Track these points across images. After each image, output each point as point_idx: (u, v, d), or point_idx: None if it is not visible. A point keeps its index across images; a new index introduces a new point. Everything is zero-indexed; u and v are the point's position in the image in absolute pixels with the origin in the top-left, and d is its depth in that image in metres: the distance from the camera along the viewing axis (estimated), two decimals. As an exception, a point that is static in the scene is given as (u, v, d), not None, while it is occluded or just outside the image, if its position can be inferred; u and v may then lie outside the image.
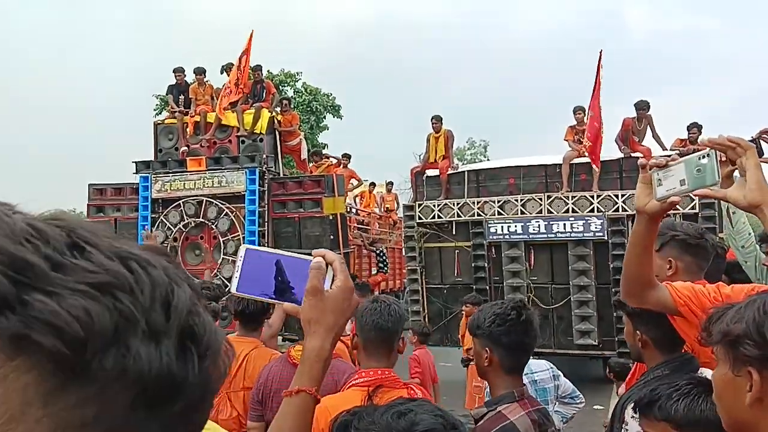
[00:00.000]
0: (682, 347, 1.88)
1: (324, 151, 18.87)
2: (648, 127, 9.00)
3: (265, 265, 1.02)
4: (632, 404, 1.61)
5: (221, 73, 10.97)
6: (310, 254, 1.03)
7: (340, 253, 8.74)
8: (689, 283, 1.81)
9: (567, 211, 8.71)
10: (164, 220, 9.94)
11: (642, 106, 8.91)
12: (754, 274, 2.59)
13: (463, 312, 7.45)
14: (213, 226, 9.77)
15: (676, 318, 1.79)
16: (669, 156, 1.53)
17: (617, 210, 8.47)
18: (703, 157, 1.39)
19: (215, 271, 9.64)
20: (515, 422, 1.92)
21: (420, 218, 9.56)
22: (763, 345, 0.98)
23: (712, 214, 7.71)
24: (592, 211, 8.58)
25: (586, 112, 8.98)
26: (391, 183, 16.37)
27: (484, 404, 2.12)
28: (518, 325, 2.01)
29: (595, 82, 8.76)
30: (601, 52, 8.92)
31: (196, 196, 9.86)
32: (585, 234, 8.58)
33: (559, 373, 2.62)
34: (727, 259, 3.24)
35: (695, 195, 1.48)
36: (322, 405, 2.23)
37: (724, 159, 1.44)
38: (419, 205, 9.64)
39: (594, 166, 8.67)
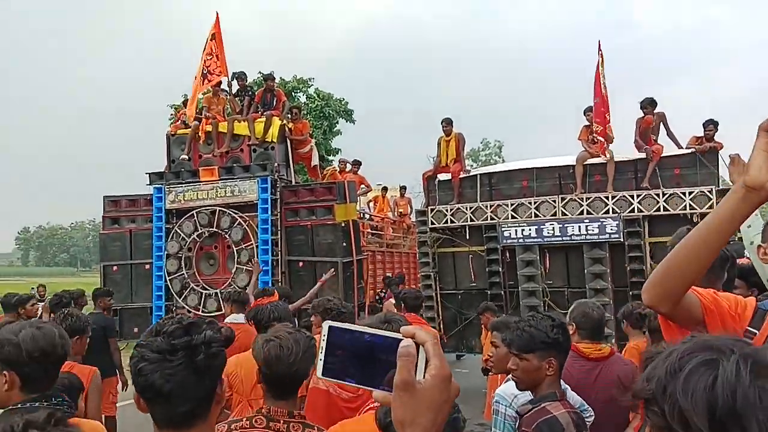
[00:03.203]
0: None
1: (340, 157, 18.89)
2: (661, 124, 8.84)
3: (352, 344, 0.90)
4: None
5: (231, 80, 11.03)
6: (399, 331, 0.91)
7: (352, 261, 8.68)
8: (706, 289, 1.71)
9: (581, 213, 8.59)
10: (178, 230, 10.00)
11: (646, 104, 8.78)
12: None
13: (482, 323, 7.33)
14: (226, 236, 9.80)
15: (675, 333, 1.69)
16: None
17: (633, 211, 8.32)
18: None
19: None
20: (558, 417, 2.18)
21: (433, 223, 9.49)
22: (665, 415, 0.75)
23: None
24: (607, 212, 8.45)
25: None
26: (404, 187, 16.29)
27: (529, 402, 2.38)
28: (567, 330, 2.43)
29: (596, 71, 8.89)
30: (599, 42, 9.07)
31: (209, 206, 9.91)
32: (600, 236, 8.45)
33: (567, 386, 2.58)
34: (743, 263, 3.15)
35: None
36: (340, 429, 2.22)
37: None
38: (432, 210, 9.57)
39: (605, 154, 8.66)
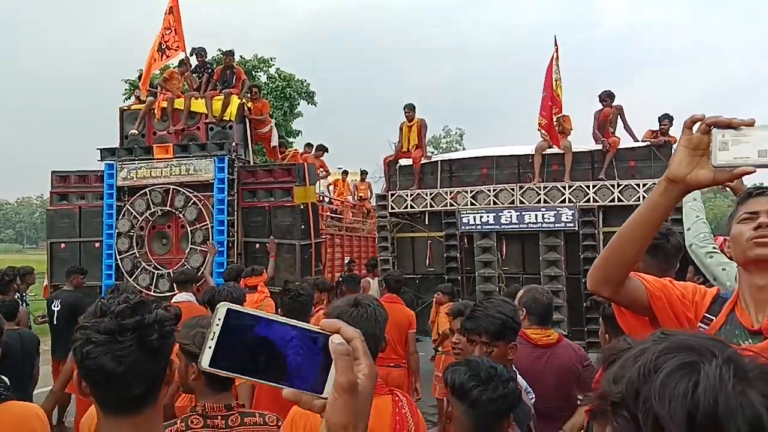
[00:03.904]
0: None
1: (307, 142, 18.61)
2: (618, 117, 9.02)
3: (256, 333, 0.77)
4: None
5: (190, 55, 10.71)
6: (304, 321, 0.81)
7: (310, 243, 8.60)
8: (655, 277, 1.73)
9: (539, 201, 8.72)
10: (130, 208, 9.69)
11: (605, 97, 8.95)
12: (726, 280, 2.54)
13: (434, 300, 7.43)
14: (180, 215, 9.56)
15: (628, 319, 1.70)
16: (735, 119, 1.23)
17: (588, 201, 8.50)
18: None
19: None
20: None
21: (393, 208, 9.48)
22: (637, 421, 0.67)
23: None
24: (563, 201, 8.60)
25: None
26: (365, 172, 16.23)
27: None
28: None
29: (549, 65, 8.93)
30: (555, 38, 9.14)
31: (163, 184, 9.62)
32: (556, 224, 8.60)
33: (515, 370, 2.61)
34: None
35: None
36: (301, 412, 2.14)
37: None
38: (392, 194, 9.55)
39: (558, 146, 8.74)
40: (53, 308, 6.61)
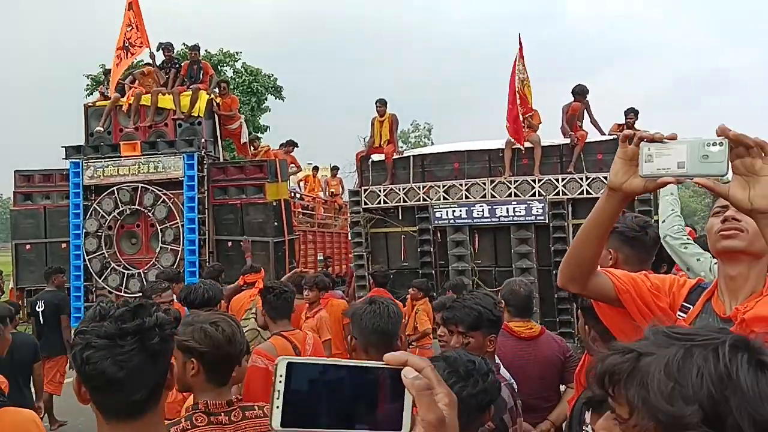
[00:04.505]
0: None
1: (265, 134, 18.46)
2: (585, 111, 9.20)
3: (321, 382, 0.74)
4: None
5: (157, 50, 10.51)
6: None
7: (284, 240, 8.53)
8: (624, 271, 1.80)
9: (509, 195, 8.84)
10: (97, 207, 9.50)
11: (579, 91, 9.10)
12: (699, 270, 2.65)
13: (409, 296, 7.50)
14: (150, 214, 9.40)
15: (606, 311, 1.78)
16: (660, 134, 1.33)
17: (558, 194, 8.66)
18: (714, 144, 1.25)
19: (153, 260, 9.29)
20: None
21: (366, 203, 9.50)
22: None
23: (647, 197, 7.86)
24: (533, 195, 8.75)
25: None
26: (336, 168, 16.19)
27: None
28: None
29: (513, 66, 8.87)
30: (519, 36, 9.11)
31: (131, 182, 9.45)
32: (527, 218, 8.74)
33: (499, 362, 2.67)
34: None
35: (695, 182, 1.31)
36: None
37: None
38: (365, 190, 9.57)
39: (520, 146, 8.83)
40: (37, 309, 6.69)
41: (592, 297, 1.75)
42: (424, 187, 9.24)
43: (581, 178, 8.58)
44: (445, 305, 3.40)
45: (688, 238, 2.81)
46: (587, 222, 1.56)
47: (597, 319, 1.95)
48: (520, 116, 8.73)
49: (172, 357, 1.46)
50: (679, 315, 1.66)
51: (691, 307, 1.66)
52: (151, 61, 10.55)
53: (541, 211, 8.69)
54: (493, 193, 8.93)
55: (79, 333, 1.37)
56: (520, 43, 9.05)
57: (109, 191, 9.49)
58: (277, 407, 0.73)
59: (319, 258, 12.20)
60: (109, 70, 10.71)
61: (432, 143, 42.02)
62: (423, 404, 0.71)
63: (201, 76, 10.15)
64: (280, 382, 0.73)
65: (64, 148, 9.81)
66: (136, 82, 10.14)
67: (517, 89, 8.78)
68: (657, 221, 4.43)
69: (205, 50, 24.20)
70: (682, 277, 1.75)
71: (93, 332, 1.35)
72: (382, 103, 9.86)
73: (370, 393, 0.74)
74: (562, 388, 3.22)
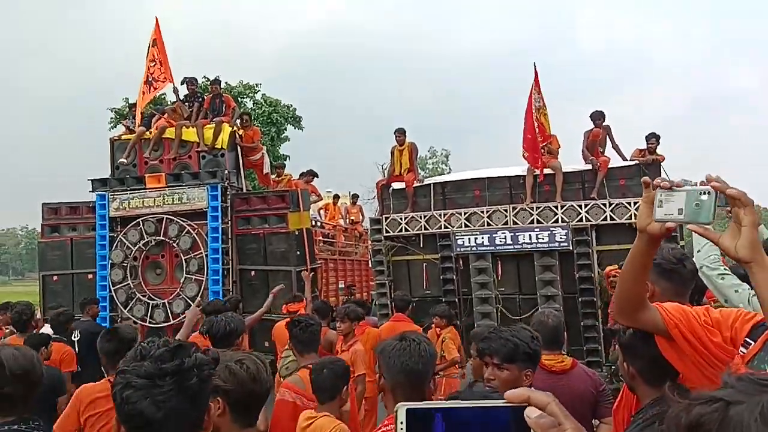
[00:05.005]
0: (675, 377, 1.85)
1: (286, 163, 18.65)
2: (607, 137, 9.16)
3: (439, 426, 0.73)
4: None
5: (181, 84, 10.77)
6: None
7: (306, 269, 8.54)
8: (679, 305, 1.79)
9: (532, 222, 8.78)
10: (123, 239, 9.63)
11: (597, 116, 9.08)
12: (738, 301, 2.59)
13: (434, 324, 7.41)
14: (174, 245, 9.51)
15: (664, 344, 1.77)
16: (670, 180, 1.45)
17: (581, 220, 8.58)
18: (704, 193, 1.36)
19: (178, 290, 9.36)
20: None
21: (387, 231, 9.50)
22: None
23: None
24: (556, 221, 8.68)
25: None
26: (356, 195, 16.28)
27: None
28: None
29: (530, 95, 8.85)
30: (534, 65, 9.08)
31: (156, 213, 9.59)
32: (550, 244, 8.66)
33: None
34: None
35: (689, 228, 1.42)
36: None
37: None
38: (386, 218, 9.58)
39: (541, 173, 8.77)
40: (73, 338, 6.73)
41: (644, 329, 1.79)
42: (445, 215, 9.23)
43: (604, 204, 8.51)
44: (481, 335, 3.36)
45: (725, 269, 2.75)
46: (626, 260, 1.66)
47: (636, 356, 1.93)
48: (539, 145, 8.72)
49: (210, 399, 1.46)
50: (741, 350, 1.64)
51: (753, 343, 1.64)
52: (174, 96, 10.79)
53: (565, 237, 8.61)
54: (515, 219, 8.89)
55: (119, 372, 1.39)
56: (536, 72, 9.03)
57: (134, 223, 9.63)
58: None
59: (340, 286, 12.19)
60: (134, 104, 10.97)
61: (450, 169, 42.12)
62: None
63: (223, 109, 10.35)
64: (401, 429, 0.73)
65: (90, 181, 10.01)
66: (165, 115, 10.36)
67: (534, 117, 8.78)
68: (683, 247, 4.37)
69: (226, 82, 24.73)
70: (748, 311, 1.73)
71: (133, 372, 1.37)
72: (401, 132, 9.93)
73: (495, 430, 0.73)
74: (595, 422, 3.15)
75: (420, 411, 0.74)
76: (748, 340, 1.61)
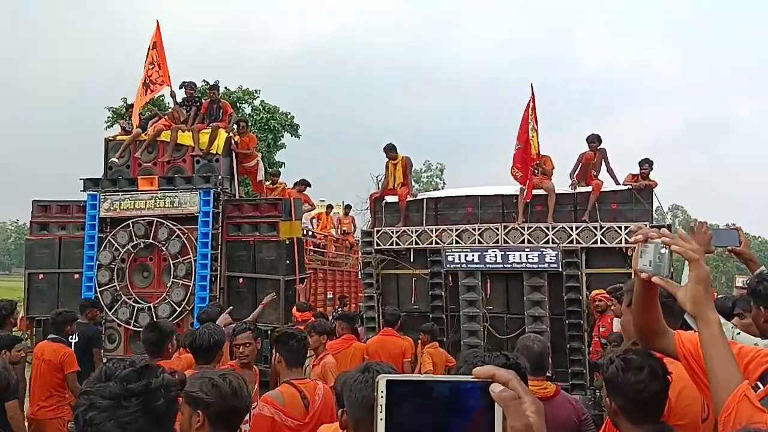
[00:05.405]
0: (659, 417, 1.85)
1: (281, 170, 18.65)
2: (602, 160, 9.20)
3: (419, 397, 0.82)
4: None
5: (180, 88, 10.76)
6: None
7: (295, 279, 8.51)
8: (695, 336, 1.79)
9: (523, 241, 8.79)
10: (112, 240, 9.57)
11: (593, 140, 9.12)
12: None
13: (420, 341, 7.41)
14: (163, 248, 9.45)
15: (687, 367, 1.83)
16: (644, 232, 1.54)
17: (571, 242, 8.59)
18: (664, 247, 1.46)
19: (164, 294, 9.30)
20: None
21: (378, 244, 9.48)
22: None
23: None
24: (547, 242, 8.68)
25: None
26: (349, 206, 16.27)
27: None
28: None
29: (524, 115, 8.80)
30: (532, 86, 9.00)
31: (147, 216, 9.53)
32: (540, 265, 8.66)
33: None
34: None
35: (654, 281, 1.51)
36: None
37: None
38: (377, 231, 9.56)
39: (528, 195, 8.73)
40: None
41: (660, 352, 1.91)
42: (436, 231, 9.22)
43: (595, 228, 8.53)
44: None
45: (733, 325, 2.76)
46: (634, 296, 1.79)
47: (618, 392, 1.93)
48: (530, 164, 8.72)
49: (176, 421, 1.44)
50: (757, 384, 1.64)
51: (761, 387, 1.64)
52: (171, 100, 10.77)
53: (555, 258, 8.61)
54: (506, 238, 8.88)
55: (83, 393, 1.36)
56: (533, 93, 9.00)
57: (124, 224, 9.58)
58: (381, 419, 0.81)
59: (328, 297, 12.14)
60: (131, 105, 10.95)
61: (444, 183, 42.23)
62: (511, 413, 0.79)
63: (220, 115, 10.34)
64: (381, 397, 0.81)
65: (82, 180, 9.96)
66: (164, 118, 10.34)
67: (530, 137, 8.77)
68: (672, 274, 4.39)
69: (225, 87, 24.73)
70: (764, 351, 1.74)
71: (97, 392, 1.34)
72: (390, 149, 9.80)
73: (463, 406, 0.82)
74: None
75: (398, 382, 0.82)
76: (758, 383, 1.62)
